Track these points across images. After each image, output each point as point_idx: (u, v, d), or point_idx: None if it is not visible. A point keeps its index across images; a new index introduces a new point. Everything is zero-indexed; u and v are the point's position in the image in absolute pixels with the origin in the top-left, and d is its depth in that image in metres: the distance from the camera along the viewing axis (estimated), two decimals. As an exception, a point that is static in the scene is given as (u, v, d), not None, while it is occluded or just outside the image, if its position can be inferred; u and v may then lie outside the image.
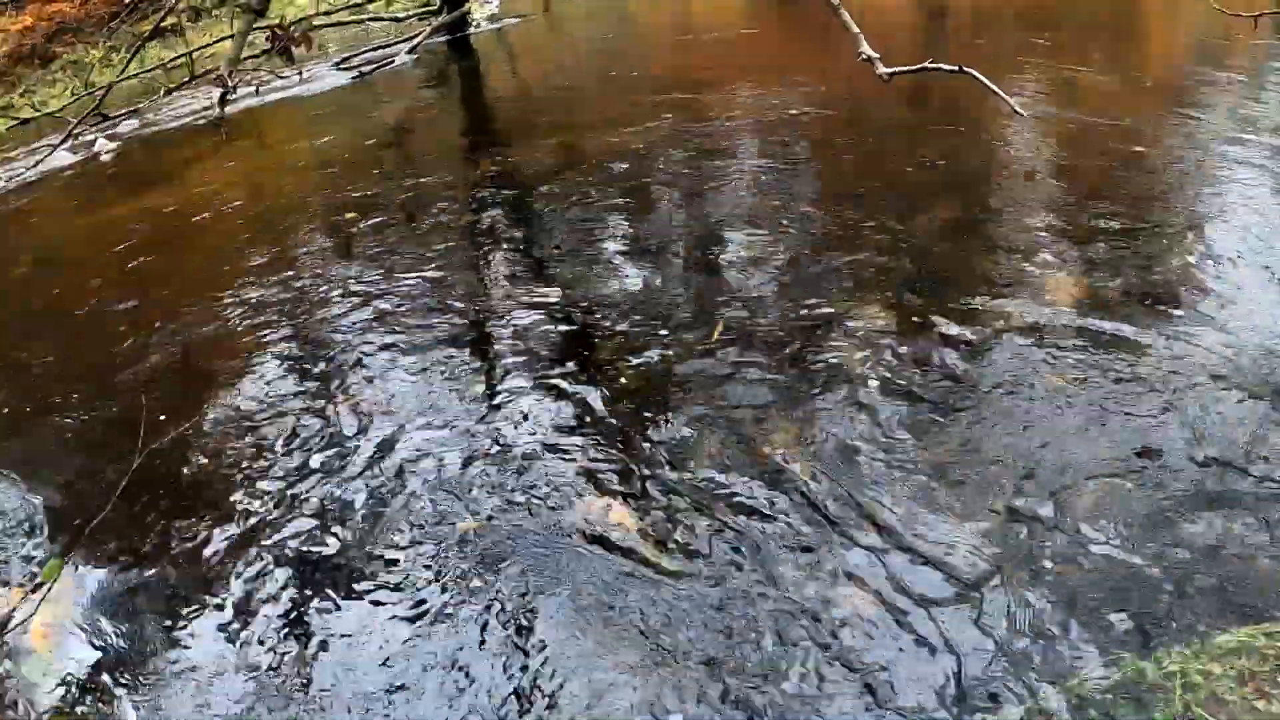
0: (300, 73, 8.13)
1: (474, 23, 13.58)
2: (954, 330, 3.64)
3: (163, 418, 4.01)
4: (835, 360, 3.56)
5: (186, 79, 10.63)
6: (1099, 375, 3.30)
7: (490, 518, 3.06)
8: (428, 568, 2.92)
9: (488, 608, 2.72)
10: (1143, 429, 3.01)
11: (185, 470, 3.64)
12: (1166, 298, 3.73)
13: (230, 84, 4.28)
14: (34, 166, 10.05)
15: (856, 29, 4.45)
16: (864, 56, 4.43)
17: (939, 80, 4.29)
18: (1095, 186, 4.78)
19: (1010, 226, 4.50)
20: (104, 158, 10.22)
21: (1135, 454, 2.90)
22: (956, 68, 4.14)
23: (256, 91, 6.37)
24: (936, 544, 2.67)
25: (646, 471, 3.11)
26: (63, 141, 9.96)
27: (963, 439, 3.05)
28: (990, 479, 2.89)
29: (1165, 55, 8.21)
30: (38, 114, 13.02)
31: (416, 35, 12.44)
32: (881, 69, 4.37)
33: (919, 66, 4.26)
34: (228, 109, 4.59)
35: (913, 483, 2.89)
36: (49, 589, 2.79)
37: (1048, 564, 2.57)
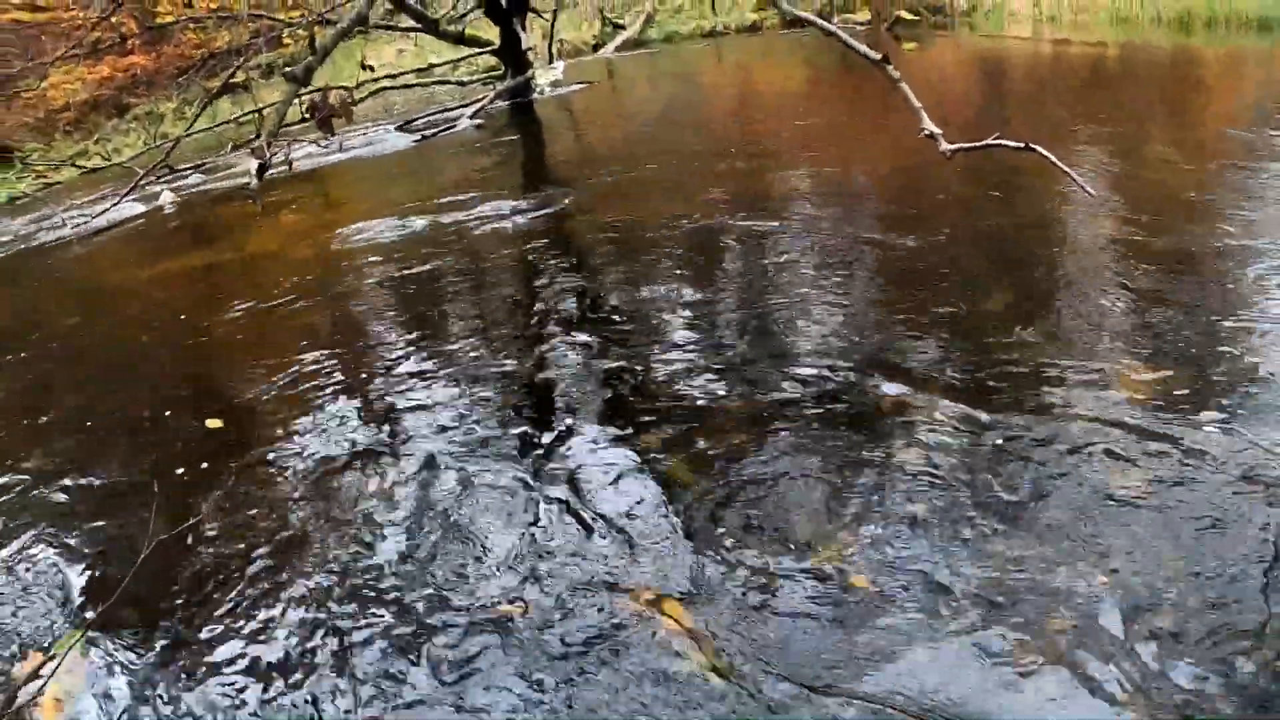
0: (364, 136, 8.19)
1: (537, 88, 13.74)
2: (1013, 428, 3.47)
3: (193, 483, 3.97)
4: (887, 458, 3.41)
5: (253, 135, 10.85)
6: (1166, 481, 3.12)
7: (531, 601, 2.95)
8: (455, 648, 2.82)
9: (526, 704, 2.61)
10: (1217, 544, 2.83)
11: (219, 536, 3.57)
12: (1239, 396, 3.56)
13: (268, 155, 4.25)
14: (99, 215, 10.23)
15: (918, 104, 4.41)
16: (926, 132, 4.39)
17: (1001, 151, 4.20)
18: (1163, 270, 4.63)
19: (1073, 312, 4.35)
20: (167, 210, 10.36)
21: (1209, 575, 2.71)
22: (1023, 144, 4.07)
23: (289, 167, 6.38)
24: (991, 665, 2.51)
25: (695, 569, 3.00)
26: (128, 192, 10.16)
27: (1022, 550, 2.89)
28: (1048, 599, 2.72)
29: (1232, 122, 8.05)
30: (107, 163, 13.32)
31: (480, 99, 12.66)
32: (944, 145, 4.31)
33: (983, 143, 4.19)
34: (267, 177, 4.54)
35: (966, 600, 2.74)
36: (60, 661, 2.73)
37: (1116, 693, 2.40)
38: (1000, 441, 3.37)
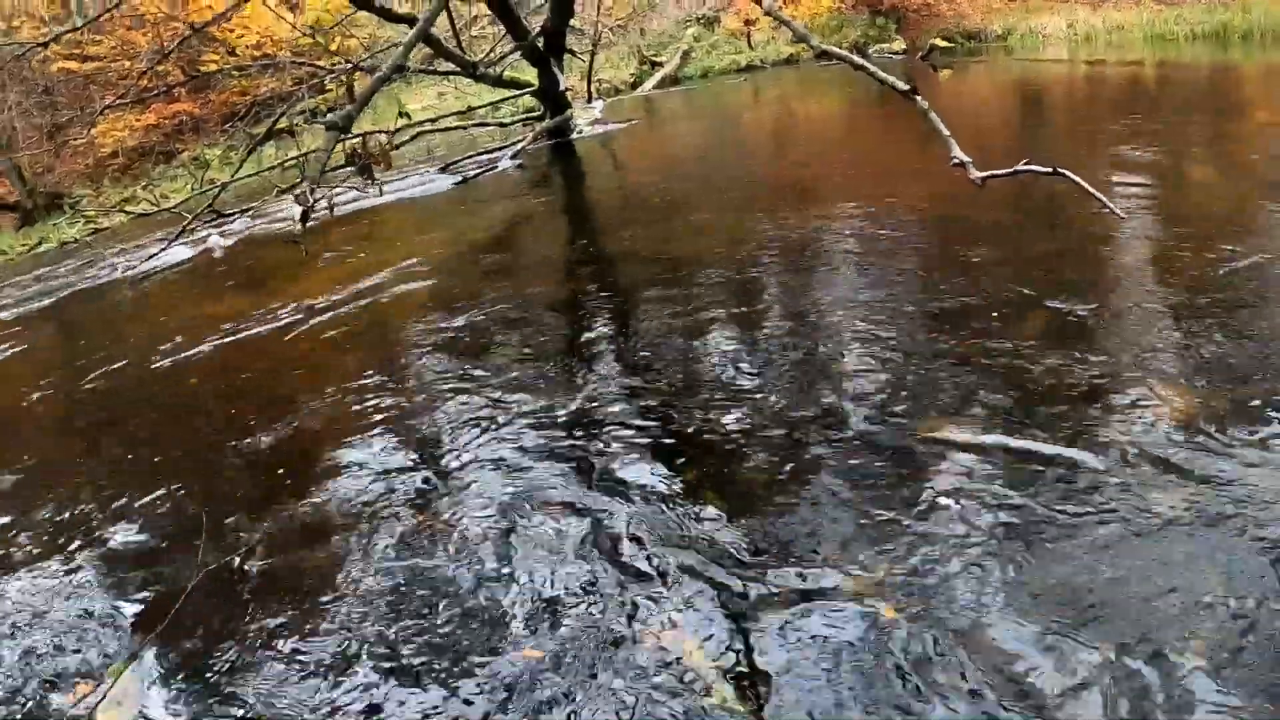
0: (407, 179, 8.30)
1: (577, 128, 13.87)
2: (1052, 453, 3.45)
3: (240, 517, 4.05)
4: (926, 486, 3.37)
5: (298, 180, 11.05)
6: (1209, 502, 3.10)
7: (556, 647, 2.98)
8: (485, 689, 2.86)
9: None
10: (1264, 567, 2.81)
11: (264, 572, 3.63)
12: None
13: (311, 201, 4.31)
14: (148, 259, 10.45)
15: (947, 132, 4.43)
16: (956, 161, 4.41)
17: (1038, 177, 4.21)
18: (1201, 292, 4.60)
19: (1112, 338, 4.32)
20: (216, 254, 10.55)
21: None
22: (1051, 169, 4.09)
23: (330, 212, 6.48)
24: (1032, 693, 2.51)
25: (723, 602, 3.01)
26: (177, 236, 10.38)
27: (1060, 576, 2.87)
28: (1092, 622, 2.71)
29: (1271, 143, 8.00)
30: (156, 208, 13.59)
31: (520, 140, 12.82)
32: (975, 173, 4.33)
33: (1012, 170, 4.22)
34: (309, 224, 4.60)
35: (1006, 626, 2.74)
36: (110, 688, 2.80)
37: (1158, 716, 2.39)
38: (1038, 469, 3.37)
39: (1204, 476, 3.19)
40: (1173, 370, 3.93)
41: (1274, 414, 3.49)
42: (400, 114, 12.67)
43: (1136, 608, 2.67)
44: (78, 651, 3.36)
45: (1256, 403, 3.58)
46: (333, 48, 16.55)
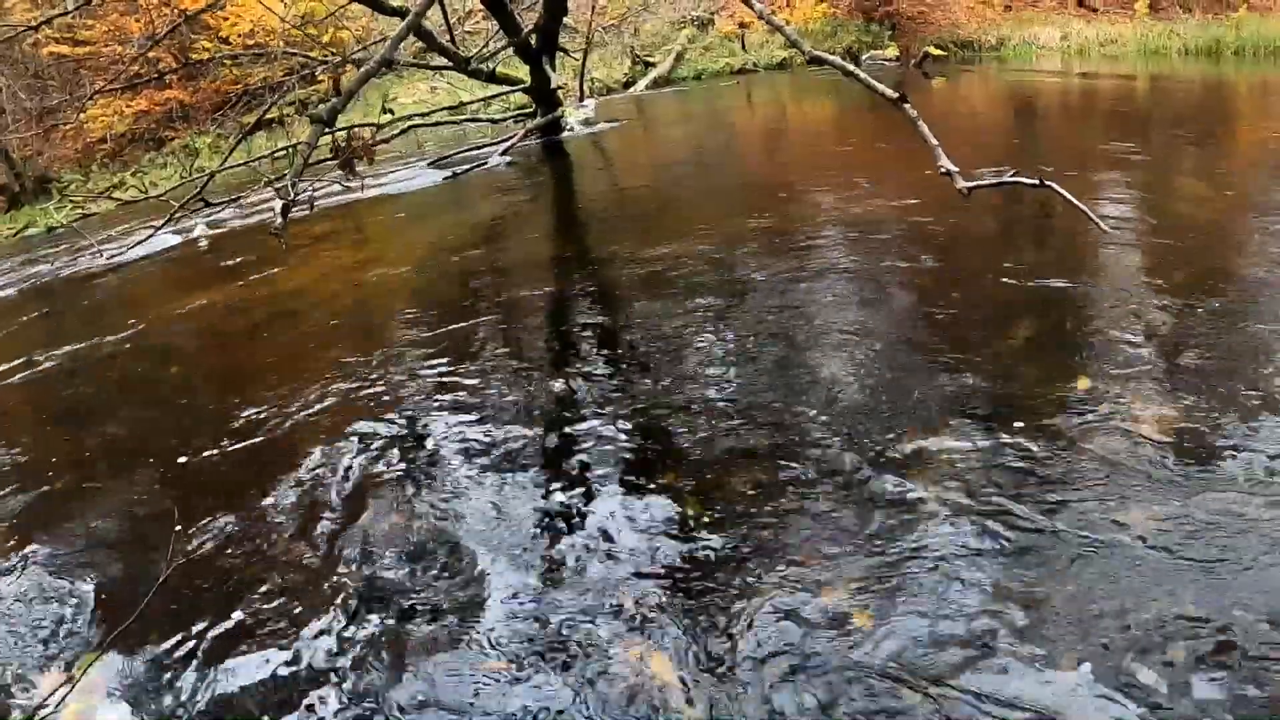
0: (397, 173, 8.27)
1: (567, 126, 13.85)
2: (1034, 464, 3.46)
3: (215, 508, 4.02)
4: (907, 497, 3.38)
5: (286, 172, 11.00)
6: (1189, 515, 3.11)
7: (524, 659, 2.96)
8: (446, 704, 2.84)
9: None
10: (1240, 580, 2.82)
11: (235, 565, 3.61)
12: (1261, 428, 3.54)
13: (293, 195, 4.30)
14: (134, 247, 10.39)
15: (935, 141, 4.43)
16: (944, 170, 4.41)
17: (1028, 187, 4.20)
18: (1187, 305, 4.61)
19: (1094, 350, 4.31)
20: (201, 244, 10.52)
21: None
22: (1037, 181, 4.09)
23: (311, 207, 6.46)
24: (1011, 706, 2.51)
25: (697, 616, 3.00)
26: (164, 224, 10.32)
27: (1040, 587, 2.87)
28: (1071, 633, 2.71)
29: (1260, 158, 8.03)
30: (144, 195, 13.53)
31: (510, 137, 12.80)
32: (961, 183, 4.33)
33: (999, 180, 4.23)
34: (290, 216, 4.58)
35: (985, 637, 2.73)
36: (79, 679, 2.78)
37: None
38: (1019, 480, 3.36)
39: (1185, 490, 3.19)
40: (1156, 384, 3.93)
41: (1257, 428, 3.50)
42: (383, 109, 12.61)
43: (1112, 622, 2.68)
44: (48, 642, 3.33)
45: (1239, 417, 3.59)
46: (325, 39, 16.51)
